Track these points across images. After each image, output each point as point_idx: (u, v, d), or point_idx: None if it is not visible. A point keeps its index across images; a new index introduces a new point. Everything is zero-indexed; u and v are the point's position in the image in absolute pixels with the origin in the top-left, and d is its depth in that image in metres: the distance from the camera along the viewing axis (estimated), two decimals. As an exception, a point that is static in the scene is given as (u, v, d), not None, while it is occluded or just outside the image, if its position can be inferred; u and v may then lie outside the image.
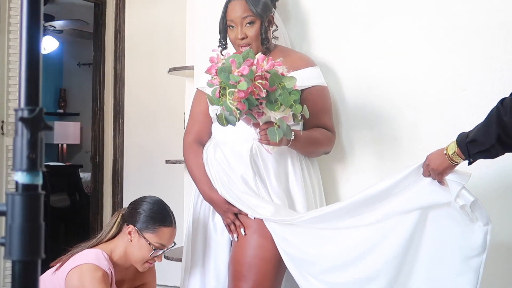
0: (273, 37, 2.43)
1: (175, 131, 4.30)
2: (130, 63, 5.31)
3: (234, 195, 2.17)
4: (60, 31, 7.24)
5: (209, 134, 2.42)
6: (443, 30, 2.39)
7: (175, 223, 2.29)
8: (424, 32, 2.43)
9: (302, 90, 2.25)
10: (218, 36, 2.41)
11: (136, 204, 2.33)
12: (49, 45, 7.35)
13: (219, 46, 2.39)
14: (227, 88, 1.84)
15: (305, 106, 2.03)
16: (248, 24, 2.24)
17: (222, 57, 1.93)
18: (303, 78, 2.26)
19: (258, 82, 1.83)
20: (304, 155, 2.32)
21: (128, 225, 2.28)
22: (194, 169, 2.34)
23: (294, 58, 2.34)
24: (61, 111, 8.39)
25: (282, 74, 1.91)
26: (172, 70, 3.43)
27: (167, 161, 3.76)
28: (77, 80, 8.25)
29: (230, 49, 2.38)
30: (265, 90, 1.84)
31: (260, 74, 1.84)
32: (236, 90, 1.81)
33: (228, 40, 2.35)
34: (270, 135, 1.95)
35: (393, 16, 2.50)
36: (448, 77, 2.38)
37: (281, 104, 1.89)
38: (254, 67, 1.84)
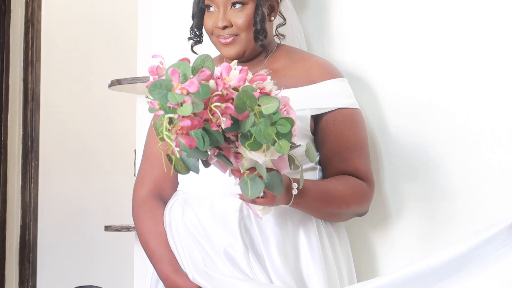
0: (277, 35, 2.45)
1: (121, 181, 4.33)
2: (48, 72, 5.33)
3: (213, 282, 2.17)
4: None
5: (174, 185, 2.43)
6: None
7: None
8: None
9: (322, 115, 2.28)
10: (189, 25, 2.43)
11: None
12: None
13: (189, 39, 2.41)
14: (164, 114, 1.79)
15: (309, 144, 2.02)
16: (236, 6, 2.26)
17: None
18: (323, 96, 2.29)
19: (214, 106, 1.78)
20: (322, 219, 2.33)
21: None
22: (150, 240, 2.34)
23: (308, 65, 2.36)
24: None
25: (266, 93, 1.87)
26: (116, 83, 3.46)
27: (107, 228, 3.76)
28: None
29: (208, 47, 2.40)
30: (224, 119, 1.77)
31: (221, 92, 1.79)
32: (176, 116, 1.78)
33: (204, 29, 2.37)
34: (242, 189, 1.92)
35: (465, 12, 2.52)
36: None
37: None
38: (212, 82, 1.81)
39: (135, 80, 3.37)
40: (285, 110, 1.90)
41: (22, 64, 5.40)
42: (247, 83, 1.85)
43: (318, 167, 2.34)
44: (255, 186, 1.89)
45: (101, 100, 4.85)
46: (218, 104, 1.77)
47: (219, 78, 1.80)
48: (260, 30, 2.27)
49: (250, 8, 2.25)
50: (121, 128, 4.56)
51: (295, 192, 2.06)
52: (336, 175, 2.32)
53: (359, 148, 2.36)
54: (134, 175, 2.89)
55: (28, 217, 5.31)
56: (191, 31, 2.40)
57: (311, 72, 2.34)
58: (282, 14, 2.42)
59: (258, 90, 1.86)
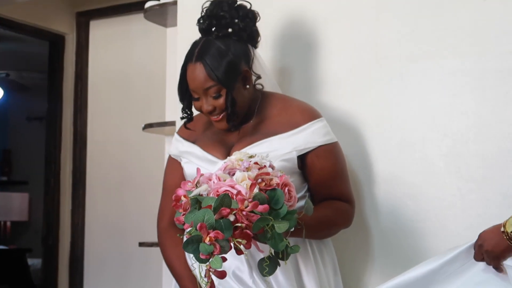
0: (257, 85, 2.39)
1: (152, 204, 4.29)
2: (93, 117, 5.35)
3: None
4: (6, 75, 7.32)
5: (189, 215, 2.39)
6: (494, 75, 2.42)
7: None
8: (470, 78, 2.46)
9: (306, 153, 2.24)
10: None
11: None
12: (-9, 94, 7.42)
13: (182, 118, 2.36)
14: (199, 264, 1.80)
15: (307, 202, 1.99)
16: (213, 95, 2.20)
17: (191, 189, 1.88)
18: (305, 138, 2.24)
19: (237, 241, 1.77)
20: (314, 239, 2.29)
21: None
22: (173, 261, 2.31)
23: (291, 112, 2.31)
24: (5, 178, 8.39)
25: (273, 186, 1.85)
26: (149, 126, 3.45)
27: (141, 244, 3.73)
28: (26, 138, 8.29)
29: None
30: (245, 242, 1.79)
31: (240, 225, 1.77)
32: (208, 266, 1.79)
33: (193, 108, 2.31)
34: (261, 270, 1.91)
35: (430, 58, 2.53)
36: (501, 136, 2.40)
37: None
38: (232, 217, 1.77)
39: (163, 124, 3.37)
40: (287, 193, 1.88)
41: (72, 111, 5.42)
42: (256, 192, 1.82)
43: (307, 194, 2.31)
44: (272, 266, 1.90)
45: (136, 140, 4.86)
46: (240, 240, 1.77)
47: (240, 213, 1.76)
48: (230, 113, 2.21)
49: (224, 93, 2.20)
50: (152, 163, 4.55)
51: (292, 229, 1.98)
52: (323, 199, 2.28)
53: (340, 175, 2.32)
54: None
55: (77, 235, 5.30)
56: (183, 111, 2.33)
57: (294, 117, 2.28)
58: (256, 73, 2.35)
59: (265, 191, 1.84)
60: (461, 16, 2.49)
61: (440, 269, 1.98)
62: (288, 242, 1.86)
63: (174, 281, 2.35)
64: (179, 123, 2.89)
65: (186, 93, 2.27)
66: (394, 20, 2.61)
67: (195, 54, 2.21)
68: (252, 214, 1.78)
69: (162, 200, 2.45)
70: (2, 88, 7.52)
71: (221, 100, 2.19)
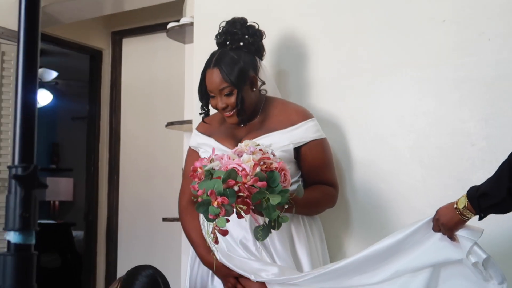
0: (262, 90, 2.40)
1: (173, 187, 4.30)
2: (126, 116, 5.35)
3: (233, 261, 2.14)
4: (55, 84, 7.32)
5: (205, 194, 2.39)
6: (450, 82, 2.43)
7: None
8: (430, 85, 2.47)
9: (300, 146, 2.26)
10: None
11: (131, 276, 2.26)
12: (42, 98, 7.42)
13: (201, 114, 2.38)
14: (206, 222, 1.84)
15: (299, 186, 2.02)
16: (226, 94, 2.23)
17: (206, 164, 1.89)
18: (300, 133, 2.26)
19: (239, 207, 1.80)
20: (306, 215, 2.31)
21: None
22: (191, 232, 2.32)
23: (289, 112, 2.33)
24: (54, 166, 8.40)
25: (272, 169, 1.86)
26: (170, 124, 3.46)
27: (164, 219, 3.73)
28: (71, 134, 8.29)
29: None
30: (245, 207, 1.81)
31: (242, 194, 1.80)
32: (214, 225, 1.82)
33: (210, 106, 2.35)
34: (256, 235, 1.92)
35: (398, 68, 2.54)
36: (456, 132, 2.41)
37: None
38: (236, 187, 1.80)
39: (182, 122, 3.37)
40: (283, 175, 1.88)
41: (108, 112, 5.43)
42: (258, 171, 1.82)
43: (301, 179, 2.32)
44: (264, 232, 1.90)
45: (160, 135, 4.86)
46: (241, 206, 1.79)
47: (243, 185, 1.78)
48: (240, 109, 2.24)
49: (235, 93, 2.22)
50: (173, 154, 4.55)
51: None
52: (313, 184, 2.29)
53: (327, 165, 2.34)
54: (182, 185, 2.86)
55: (112, 212, 5.31)
56: (201, 108, 2.37)
57: (291, 117, 2.30)
58: (261, 80, 2.36)
59: (265, 174, 1.84)
60: (424, 35, 2.50)
61: (405, 239, 1.99)
62: (279, 213, 1.87)
63: (191, 249, 2.36)
64: (196, 121, 2.92)
65: (204, 93, 2.29)
66: (369, 37, 2.62)
67: (213, 61, 2.25)
68: (253, 187, 1.80)
69: (182, 184, 2.46)
70: (51, 93, 7.54)
71: (233, 99, 2.22)
